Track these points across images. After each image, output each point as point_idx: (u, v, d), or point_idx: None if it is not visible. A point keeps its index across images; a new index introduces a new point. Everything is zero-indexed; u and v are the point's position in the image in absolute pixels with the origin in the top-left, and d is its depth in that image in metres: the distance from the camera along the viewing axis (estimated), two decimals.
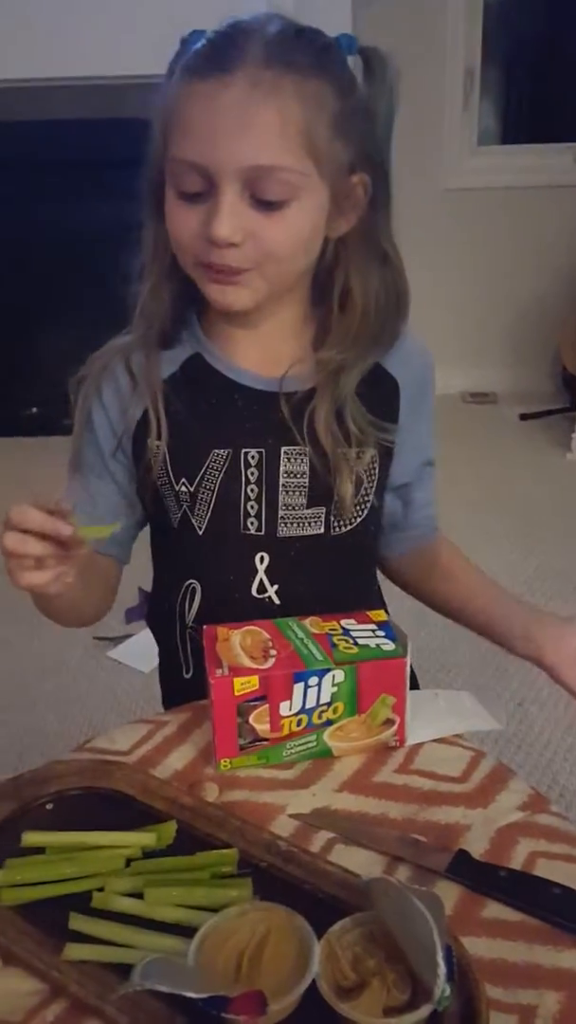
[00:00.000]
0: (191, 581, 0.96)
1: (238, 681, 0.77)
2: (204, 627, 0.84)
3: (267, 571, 0.93)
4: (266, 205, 0.79)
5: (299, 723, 0.80)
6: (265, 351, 0.92)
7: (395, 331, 0.92)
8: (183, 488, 0.91)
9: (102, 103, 2.96)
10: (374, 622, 0.86)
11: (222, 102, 0.76)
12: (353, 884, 0.65)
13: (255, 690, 0.78)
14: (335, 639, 0.82)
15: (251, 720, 0.79)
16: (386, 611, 0.95)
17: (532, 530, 2.75)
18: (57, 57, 2.75)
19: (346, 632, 0.84)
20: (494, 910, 0.66)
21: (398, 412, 0.94)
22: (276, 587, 0.93)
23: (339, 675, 0.79)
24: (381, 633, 0.83)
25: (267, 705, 0.78)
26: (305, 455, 0.90)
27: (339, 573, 0.96)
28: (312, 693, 0.79)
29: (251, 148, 0.77)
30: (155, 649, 1.09)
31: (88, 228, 3.28)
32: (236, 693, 0.78)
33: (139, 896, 0.65)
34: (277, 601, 0.94)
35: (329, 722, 0.81)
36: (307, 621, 0.85)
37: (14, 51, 2.74)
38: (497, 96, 3.83)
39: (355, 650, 0.81)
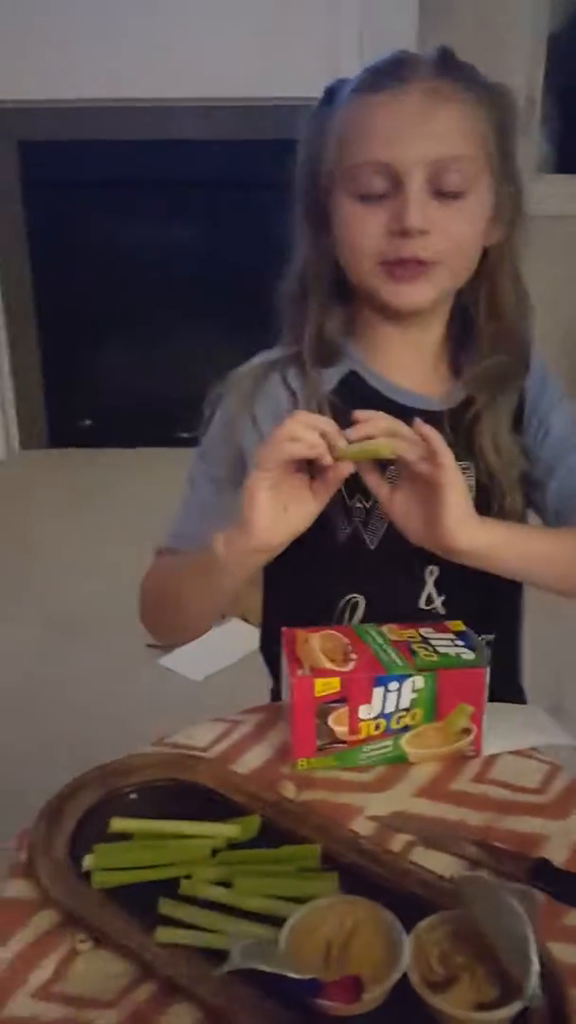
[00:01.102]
0: (353, 596, 0.95)
1: (319, 682, 0.79)
2: (283, 630, 0.86)
3: (436, 583, 0.94)
4: (448, 196, 0.84)
5: (377, 727, 0.81)
6: (418, 367, 0.95)
7: (529, 345, 0.96)
8: (358, 504, 0.92)
9: (159, 124, 3.02)
10: (452, 632, 0.87)
11: (403, 106, 0.83)
12: (435, 884, 0.66)
13: (335, 692, 0.79)
14: (414, 646, 0.84)
15: (330, 721, 0.80)
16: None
17: None
18: (166, 79, 2.81)
19: (425, 640, 0.85)
20: (575, 918, 0.66)
21: (522, 422, 0.96)
22: (443, 598, 0.95)
23: (419, 681, 0.80)
24: (460, 643, 0.85)
25: (346, 707, 0.80)
26: (471, 471, 0.92)
27: (499, 584, 0.93)
28: (392, 698, 0.80)
29: (434, 142, 0.83)
30: (208, 657, 1.08)
31: (149, 246, 3.36)
32: (317, 694, 0.79)
33: (226, 885, 0.67)
34: (443, 612, 0.95)
35: (407, 728, 0.82)
36: (385, 628, 0.86)
37: (141, 69, 2.82)
38: (557, 125, 3.85)
39: (435, 658, 0.82)
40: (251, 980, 0.58)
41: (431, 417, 0.88)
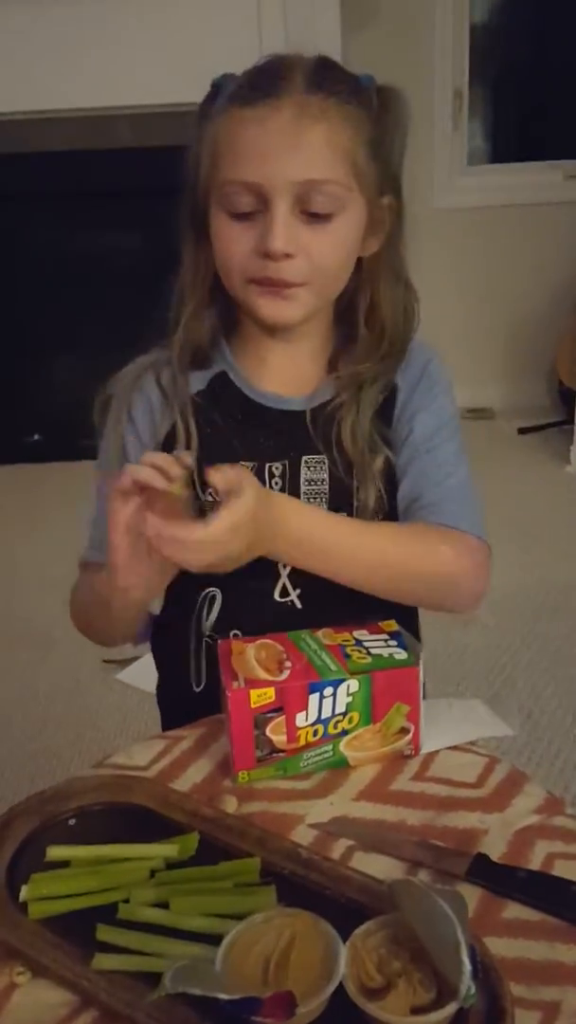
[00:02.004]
0: (211, 590, 0.97)
1: (255, 693, 0.79)
2: (219, 642, 0.86)
3: (290, 576, 0.95)
4: (315, 218, 0.85)
5: (315, 733, 0.81)
6: (291, 371, 0.97)
7: (406, 344, 0.97)
8: (209, 498, 0.93)
9: (117, 133, 3.02)
10: (386, 632, 0.87)
11: (273, 124, 0.82)
12: (375, 889, 0.66)
13: (271, 702, 0.79)
14: (348, 650, 0.84)
15: (268, 732, 0.80)
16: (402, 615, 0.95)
17: (533, 543, 2.76)
18: (73, 89, 2.80)
19: (359, 643, 0.85)
20: (514, 911, 0.67)
21: (393, 418, 0.97)
22: (299, 591, 0.95)
23: (353, 685, 0.80)
24: (393, 643, 0.85)
25: (283, 716, 0.80)
26: (324, 464, 0.94)
27: None
28: (327, 703, 0.80)
29: (302, 164, 0.83)
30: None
31: (90, 256, 3.34)
32: (253, 705, 0.79)
33: (164, 906, 0.66)
34: (299, 605, 0.95)
35: (345, 732, 0.82)
36: (320, 633, 0.87)
37: (35, 83, 2.82)
38: (485, 116, 3.89)
39: (368, 660, 0.82)
40: (189, 1002, 0.57)
41: (292, 416, 0.94)
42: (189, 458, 0.79)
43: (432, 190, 3.66)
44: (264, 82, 0.84)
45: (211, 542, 0.75)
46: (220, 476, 0.77)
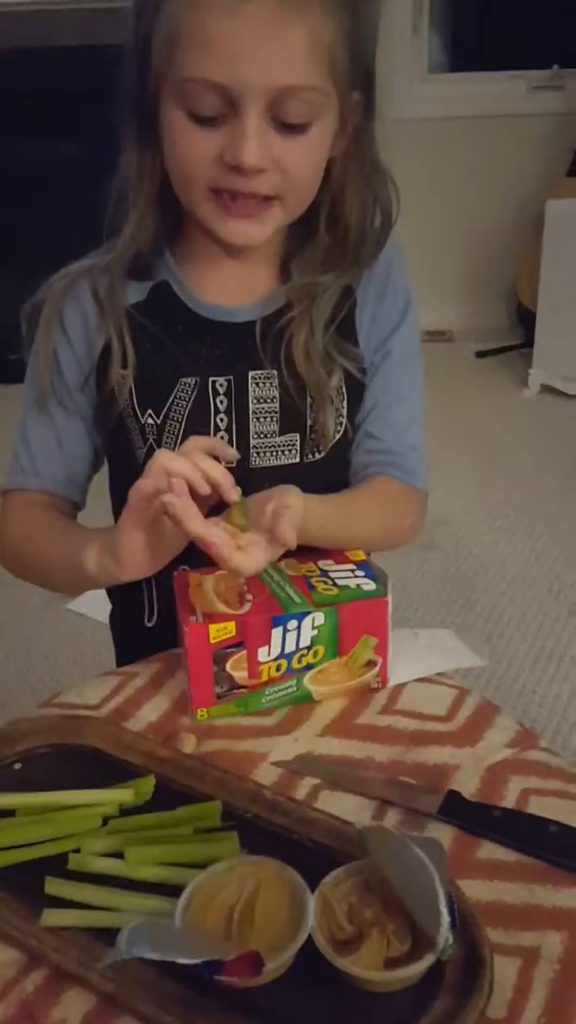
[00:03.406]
0: None
1: (213, 628, 0.74)
2: (175, 573, 0.80)
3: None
4: (289, 128, 0.75)
5: (278, 668, 0.76)
6: (239, 280, 0.88)
7: (377, 248, 0.89)
8: (149, 420, 0.88)
9: (58, 30, 2.82)
10: (352, 561, 0.82)
11: (247, 16, 0.70)
12: (344, 832, 0.63)
13: (231, 636, 0.74)
14: (313, 580, 0.79)
15: (228, 668, 0.75)
16: None
17: (490, 466, 2.74)
18: None
19: (324, 573, 0.80)
20: (489, 850, 0.64)
21: (356, 329, 0.90)
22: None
23: (319, 617, 0.75)
24: (360, 572, 0.80)
25: (244, 651, 0.75)
26: (273, 380, 0.87)
27: None
28: (291, 637, 0.76)
29: (281, 67, 0.71)
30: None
31: (26, 164, 3.15)
32: (212, 640, 0.74)
33: (119, 856, 0.62)
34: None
35: (309, 666, 0.77)
36: (283, 563, 0.81)
37: None
38: (445, 22, 3.72)
39: (335, 591, 0.77)
40: (146, 960, 0.53)
41: (239, 328, 0.87)
42: (236, 495, 0.73)
43: (390, 99, 3.48)
44: None
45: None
46: (285, 527, 0.71)
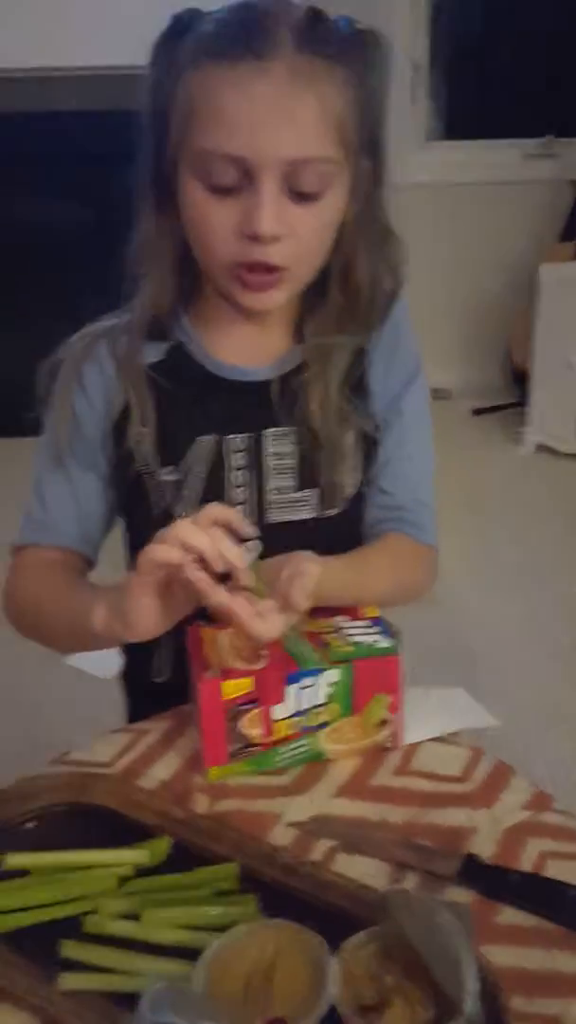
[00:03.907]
0: None
1: (228, 684, 0.73)
2: (188, 628, 0.80)
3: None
4: (303, 197, 0.77)
5: (293, 726, 0.76)
6: (254, 341, 0.90)
7: (387, 310, 0.91)
8: (167, 477, 0.89)
9: (60, 96, 2.89)
10: (367, 618, 0.82)
11: (260, 91, 0.73)
12: (362, 896, 0.62)
13: (246, 693, 0.74)
14: (327, 637, 0.79)
15: (242, 725, 0.75)
16: None
17: (484, 522, 2.75)
18: (12, 48, 2.69)
19: (339, 629, 0.80)
20: (508, 916, 0.63)
21: (369, 388, 0.92)
22: None
23: (334, 675, 0.76)
24: (375, 629, 0.80)
25: (259, 709, 0.75)
26: (291, 437, 0.88)
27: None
28: (306, 694, 0.76)
29: (294, 140, 0.74)
30: (114, 654, 1.04)
31: (30, 225, 3.21)
32: (226, 697, 0.74)
33: (135, 918, 0.61)
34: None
35: (324, 724, 0.77)
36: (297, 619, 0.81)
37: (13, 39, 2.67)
38: (442, 92, 3.84)
39: (350, 648, 0.77)
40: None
41: (255, 387, 0.88)
42: (254, 552, 0.74)
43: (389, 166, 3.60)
44: (245, 36, 0.73)
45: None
46: (298, 591, 0.72)
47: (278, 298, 0.83)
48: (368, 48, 0.80)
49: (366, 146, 0.81)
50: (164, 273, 0.86)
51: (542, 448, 3.26)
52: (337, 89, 0.75)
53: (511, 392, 3.70)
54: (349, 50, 0.77)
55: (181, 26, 0.78)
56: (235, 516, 0.74)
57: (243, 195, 0.76)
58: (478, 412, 3.64)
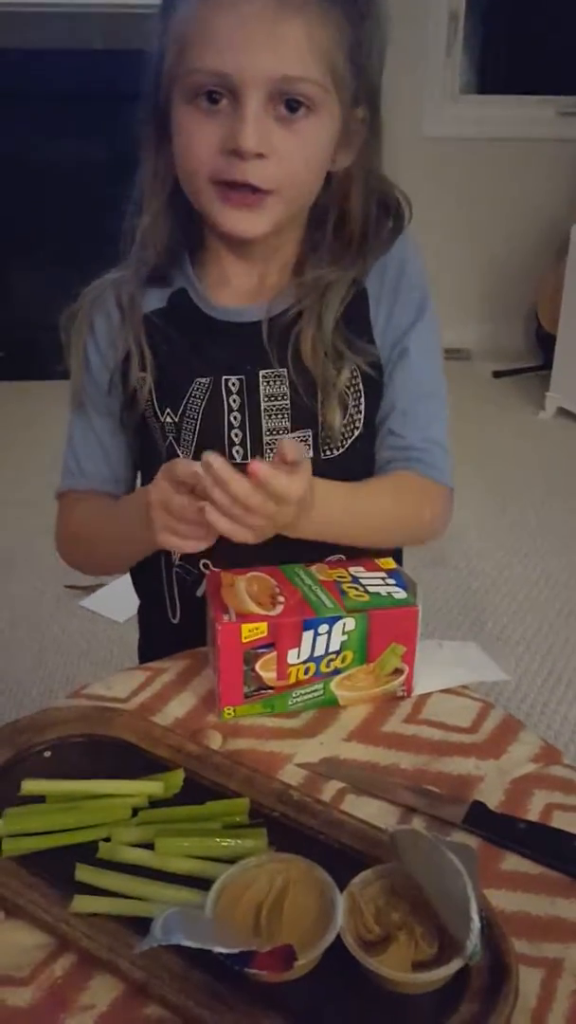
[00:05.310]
0: None
1: (246, 627, 0.74)
2: (208, 572, 0.81)
3: None
4: (288, 119, 0.77)
5: (307, 671, 0.77)
6: (253, 283, 0.90)
7: (386, 244, 0.90)
8: (168, 419, 0.90)
9: (87, 33, 2.84)
10: (383, 570, 0.83)
11: (249, 12, 0.75)
12: (371, 836, 0.63)
13: (263, 637, 0.75)
14: (344, 586, 0.80)
15: (257, 668, 0.76)
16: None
17: (504, 487, 2.75)
18: None
19: (355, 580, 0.81)
20: (513, 862, 0.64)
21: (371, 326, 0.91)
22: None
23: (350, 623, 0.76)
24: (392, 581, 0.81)
25: (274, 653, 0.76)
26: (283, 377, 0.88)
27: None
28: (321, 641, 0.76)
29: (278, 58, 0.75)
30: (130, 598, 1.06)
31: (53, 165, 3.17)
32: (243, 640, 0.75)
33: (147, 847, 0.63)
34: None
35: (337, 671, 0.78)
36: (314, 568, 0.82)
37: None
38: (477, 45, 3.74)
39: (366, 598, 0.78)
40: (177, 949, 0.54)
41: (248, 328, 0.88)
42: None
43: (421, 118, 3.53)
44: None
45: (282, 498, 0.70)
46: (291, 445, 0.71)
47: (260, 223, 0.82)
48: (370, 8, 0.81)
49: (361, 92, 0.82)
50: (157, 211, 0.87)
51: (564, 412, 3.23)
52: (326, 21, 0.77)
53: (533, 355, 3.66)
54: None
55: None
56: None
57: (228, 114, 0.77)
58: (498, 375, 3.61)
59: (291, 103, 0.77)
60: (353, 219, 0.88)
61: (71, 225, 3.04)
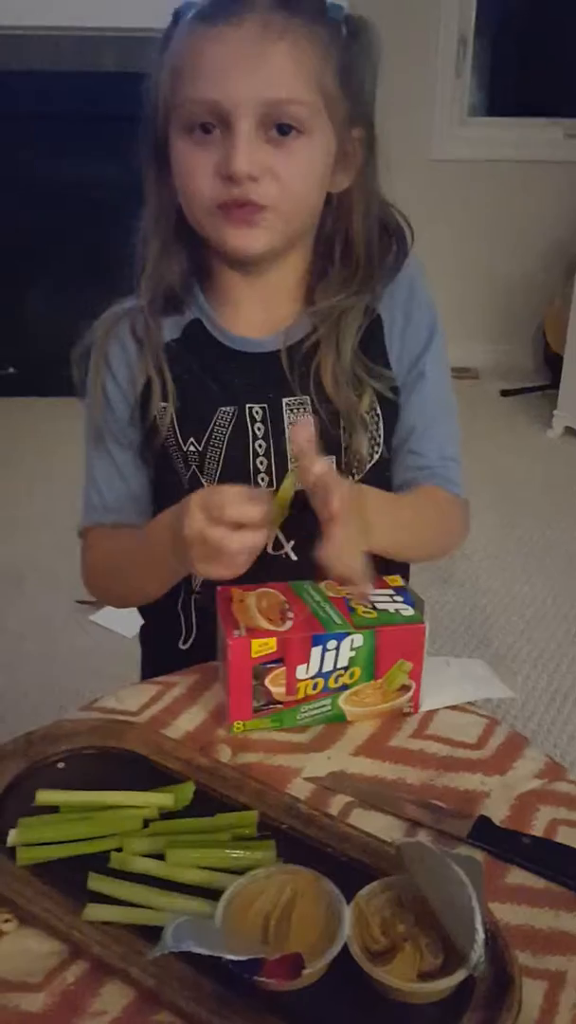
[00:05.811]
0: None
1: (256, 643, 0.76)
2: (218, 588, 0.82)
3: (282, 527, 0.90)
4: (279, 140, 0.80)
5: (315, 687, 0.79)
6: (265, 311, 0.92)
7: (392, 270, 0.92)
8: (191, 448, 0.91)
9: (102, 55, 2.89)
10: (391, 587, 0.84)
11: (234, 41, 0.78)
12: (378, 849, 0.65)
13: (272, 652, 0.76)
14: (352, 603, 0.81)
15: (267, 682, 0.77)
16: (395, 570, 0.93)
17: (511, 505, 2.76)
18: (58, 6, 2.69)
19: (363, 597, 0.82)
20: (518, 877, 0.65)
21: (387, 351, 0.93)
22: (292, 543, 0.92)
23: (358, 639, 0.78)
24: (399, 598, 0.82)
25: (284, 668, 0.77)
26: (306, 405, 0.90)
27: None
28: (330, 657, 0.78)
29: (265, 82, 0.78)
30: (136, 614, 1.07)
31: (67, 184, 3.21)
32: (253, 655, 0.76)
33: (158, 857, 0.64)
34: (294, 557, 0.92)
35: (345, 687, 0.79)
36: (323, 584, 0.84)
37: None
38: (486, 68, 3.78)
39: (374, 615, 0.79)
40: (187, 957, 0.55)
41: (267, 357, 0.90)
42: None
43: (430, 140, 3.57)
44: (226, 1, 0.79)
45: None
46: (302, 426, 0.73)
47: (262, 239, 0.84)
48: (357, 31, 0.84)
49: (357, 117, 0.85)
50: (166, 242, 0.89)
51: (571, 432, 3.25)
52: (312, 44, 0.80)
53: (541, 374, 3.68)
54: (329, 20, 0.82)
55: (176, 17, 0.83)
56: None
57: (222, 141, 0.80)
58: (506, 393, 3.63)
59: (282, 127, 0.79)
60: (357, 243, 0.90)
61: (83, 244, 3.09)
